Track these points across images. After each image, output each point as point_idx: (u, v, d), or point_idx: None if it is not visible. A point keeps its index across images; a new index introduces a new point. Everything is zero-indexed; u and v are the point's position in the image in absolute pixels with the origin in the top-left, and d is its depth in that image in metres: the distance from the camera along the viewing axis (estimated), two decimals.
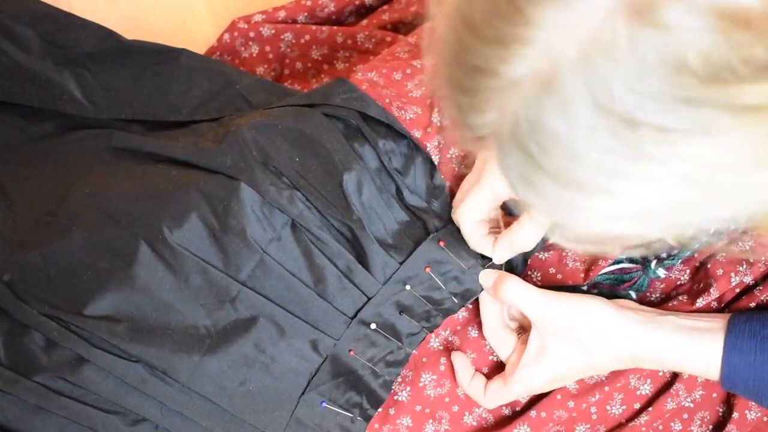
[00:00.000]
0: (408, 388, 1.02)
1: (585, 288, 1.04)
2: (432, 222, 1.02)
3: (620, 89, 0.50)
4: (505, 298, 0.98)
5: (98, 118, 1.10)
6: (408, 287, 1.00)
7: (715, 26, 0.47)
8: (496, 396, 0.99)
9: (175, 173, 1.01)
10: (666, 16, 0.48)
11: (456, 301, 1.01)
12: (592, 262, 1.02)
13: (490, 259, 1.00)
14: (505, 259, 1.00)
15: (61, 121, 1.12)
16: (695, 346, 0.94)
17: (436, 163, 1.04)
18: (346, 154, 1.01)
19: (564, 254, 1.03)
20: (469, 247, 1.01)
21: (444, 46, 0.56)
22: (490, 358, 1.03)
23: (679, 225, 0.57)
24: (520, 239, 0.96)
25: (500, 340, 1.01)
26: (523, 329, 1.02)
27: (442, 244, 1.00)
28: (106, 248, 0.98)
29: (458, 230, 1.01)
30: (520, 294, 0.97)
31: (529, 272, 1.05)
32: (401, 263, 1.00)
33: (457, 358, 1.02)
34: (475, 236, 0.99)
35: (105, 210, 1.00)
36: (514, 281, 0.97)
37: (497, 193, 0.98)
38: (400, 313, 1.00)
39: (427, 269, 1.00)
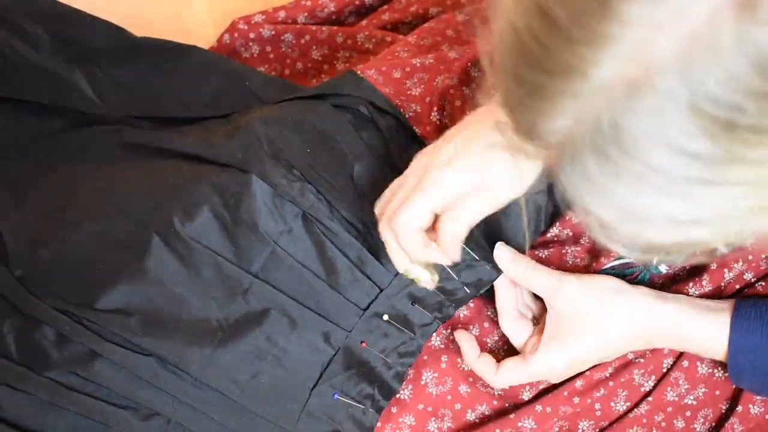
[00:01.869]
0: (410, 387, 1.02)
1: None
2: None
3: (720, 90, 0.48)
4: (517, 276, 0.98)
5: (109, 115, 1.10)
6: (421, 286, 0.99)
7: None
8: (510, 375, 0.98)
9: (186, 168, 1.02)
10: None
11: (468, 291, 1.01)
12: (592, 259, 1.02)
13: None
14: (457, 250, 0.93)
15: (71, 118, 1.12)
16: (705, 322, 0.94)
17: None
18: (356, 145, 1.01)
19: (564, 251, 1.04)
20: (479, 239, 1.01)
21: (514, 48, 0.54)
22: None
23: (748, 232, 0.56)
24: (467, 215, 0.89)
25: (516, 327, 1.01)
26: (537, 320, 1.02)
27: None
28: (117, 242, 0.98)
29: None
30: (531, 273, 0.97)
31: None
32: None
33: (461, 336, 1.01)
34: (418, 245, 0.91)
35: (116, 204, 1.00)
36: (526, 260, 0.98)
37: (444, 202, 0.89)
38: (412, 304, 1.00)
39: None
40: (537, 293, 0.99)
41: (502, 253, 0.99)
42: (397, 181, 0.93)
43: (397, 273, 0.99)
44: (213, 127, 1.07)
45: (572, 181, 0.56)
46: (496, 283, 1.02)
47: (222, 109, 1.10)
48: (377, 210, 0.93)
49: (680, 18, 0.47)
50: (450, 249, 0.89)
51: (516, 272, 0.98)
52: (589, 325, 0.96)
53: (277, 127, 1.01)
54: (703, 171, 0.51)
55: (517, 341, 1.01)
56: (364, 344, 0.99)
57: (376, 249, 0.99)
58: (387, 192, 0.93)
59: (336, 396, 0.98)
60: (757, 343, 0.92)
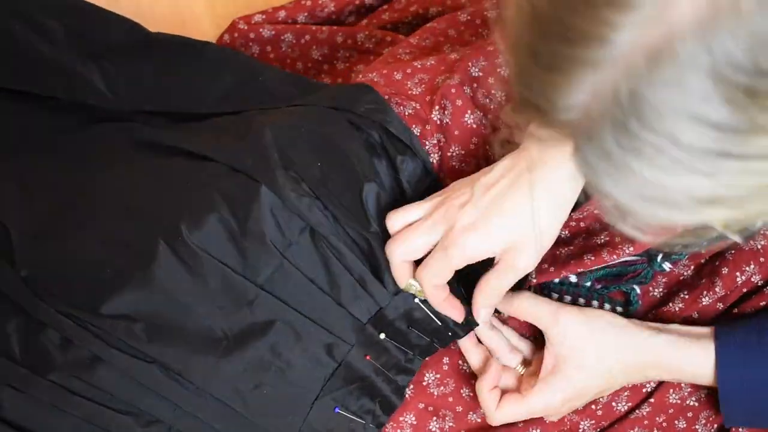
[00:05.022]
0: (411, 386, 1.03)
1: (588, 284, 1.04)
2: None
3: (743, 56, 0.47)
4: (518, 313, 0.99)
5: (120, 111, 1.09)
6: (416, 300, 0.99)
7: None
8: (510, 411, 0.99)
9: (195, 169, 1.00)
10: None
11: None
12: (585, 251, 1.02)
13: None
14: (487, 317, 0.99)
15: (84, 115, 1.11)
16: (693, 350, 0.96)
17: (435, 161, 1.04)
18: (368, 167, 1.01)
19: (558, 253, 1.04)
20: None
21: (531, 22, 0.53)
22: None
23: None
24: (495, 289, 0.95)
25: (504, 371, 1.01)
26: (529, 362, 1.03)
27: None
28: (124, 246, 0.97)
29: None
30: (532, 309, 0.98)
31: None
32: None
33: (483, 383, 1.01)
34: (439, 298, 0.96)
35: (123, 205, 1.00)
36: (526, 296, 0.99)
37: (466, 263, 0.93)
38: (408, 327, 1.00)
39: None
40: (536, 324, 1.00)
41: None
42: (417, 209, 0.95)
43: (397, 292, 0.99)
44: (225, 126, 1.05)
45: (589, 162, 0.55)
46: (464, 349, 1.02)
47: (235, 105, 1.09)
48: (390, 227, 0.96)
49: None
50: (460, 313, 0.97)
51: (514, 309, 0.99)
52: (589, 356, 0.96)
53: (289, 137, 1.00)
54: (724, 142, 0.50)
55: (507, 382, 1.01)
56: (368, 357, 0.99)
57: (379, 270, 0.99)
58: (403, 214, 0.95)
59: (337, 409, 0.99)
60: (744, 375, 0.93)
